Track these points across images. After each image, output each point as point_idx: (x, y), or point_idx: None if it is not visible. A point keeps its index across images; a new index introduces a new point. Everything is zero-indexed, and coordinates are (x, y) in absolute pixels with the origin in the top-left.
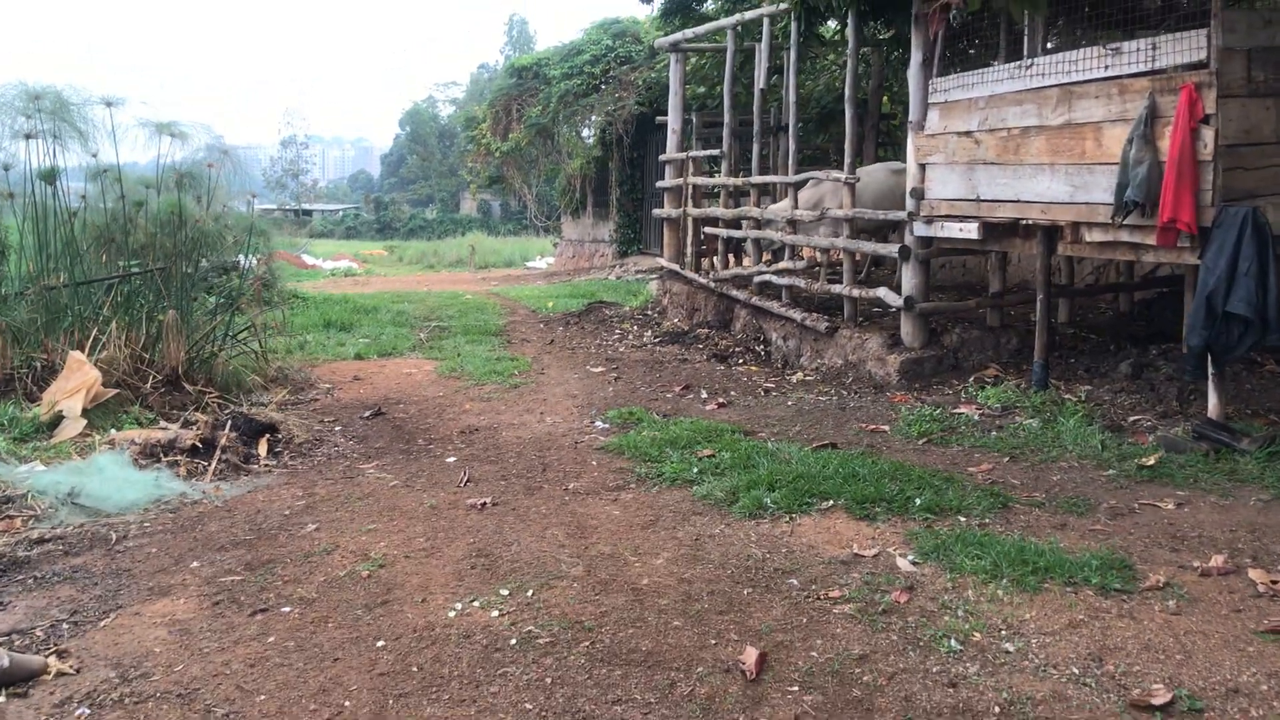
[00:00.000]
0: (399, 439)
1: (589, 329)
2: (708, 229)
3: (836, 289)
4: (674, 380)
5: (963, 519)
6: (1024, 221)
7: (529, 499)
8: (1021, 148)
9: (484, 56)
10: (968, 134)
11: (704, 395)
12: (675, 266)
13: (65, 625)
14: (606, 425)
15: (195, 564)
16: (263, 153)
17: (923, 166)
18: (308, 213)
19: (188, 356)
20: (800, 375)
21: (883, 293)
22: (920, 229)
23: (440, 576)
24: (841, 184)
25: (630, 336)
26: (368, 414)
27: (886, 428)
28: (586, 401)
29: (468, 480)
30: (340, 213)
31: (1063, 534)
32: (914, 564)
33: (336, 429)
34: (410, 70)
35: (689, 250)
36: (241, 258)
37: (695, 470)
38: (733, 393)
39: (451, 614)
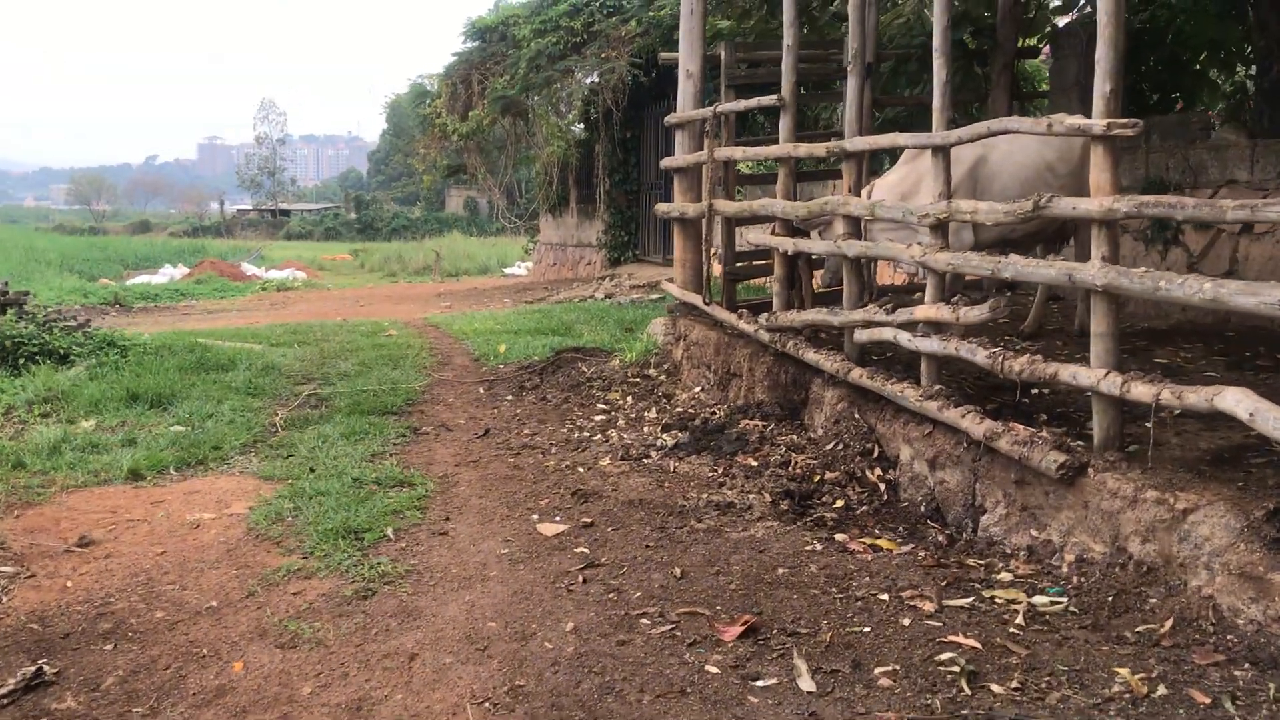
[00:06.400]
0: None
1: (554, 401)
2: (753, 236)
3: (1081, 377)
4: (712, 585)
5: None
6: None
7: None
8: None
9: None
10: None
11: (806, 683)
12: (695, 298)
13: None
14: None
15: None
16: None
17: None
18: (285, 213)
19: None
20: (1011, 584)
21: (1232, 403)
22: None
23: None
24: (1095, 137)
25: (620, 422)
26: (11, 686)
27: None
28: (508, 673)
29: None
30: (320, 213)
31: None
32: None
33: None
34: (401, 63)
35: (717, 272)
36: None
37: None
38: (879, 671)
39: None
